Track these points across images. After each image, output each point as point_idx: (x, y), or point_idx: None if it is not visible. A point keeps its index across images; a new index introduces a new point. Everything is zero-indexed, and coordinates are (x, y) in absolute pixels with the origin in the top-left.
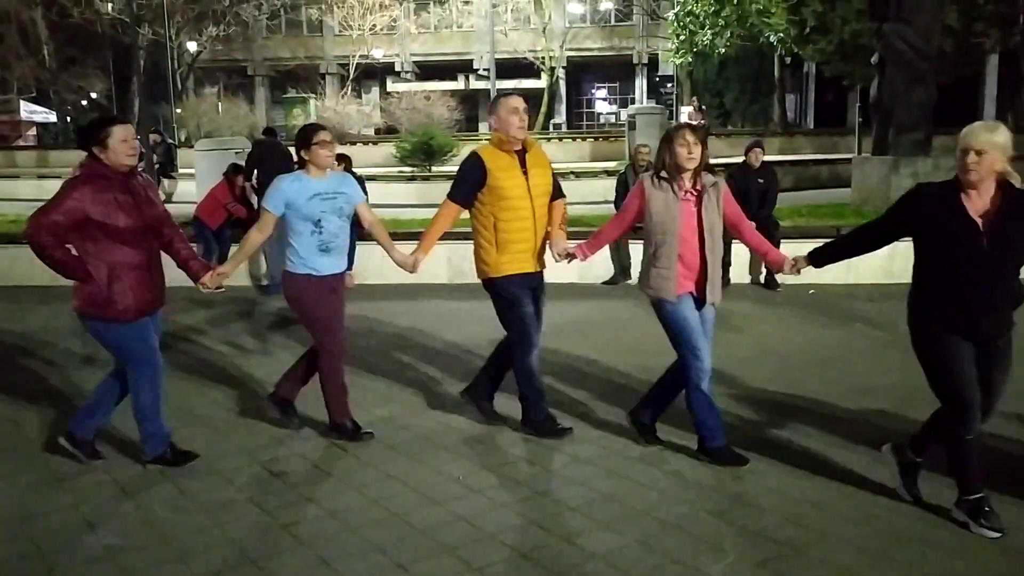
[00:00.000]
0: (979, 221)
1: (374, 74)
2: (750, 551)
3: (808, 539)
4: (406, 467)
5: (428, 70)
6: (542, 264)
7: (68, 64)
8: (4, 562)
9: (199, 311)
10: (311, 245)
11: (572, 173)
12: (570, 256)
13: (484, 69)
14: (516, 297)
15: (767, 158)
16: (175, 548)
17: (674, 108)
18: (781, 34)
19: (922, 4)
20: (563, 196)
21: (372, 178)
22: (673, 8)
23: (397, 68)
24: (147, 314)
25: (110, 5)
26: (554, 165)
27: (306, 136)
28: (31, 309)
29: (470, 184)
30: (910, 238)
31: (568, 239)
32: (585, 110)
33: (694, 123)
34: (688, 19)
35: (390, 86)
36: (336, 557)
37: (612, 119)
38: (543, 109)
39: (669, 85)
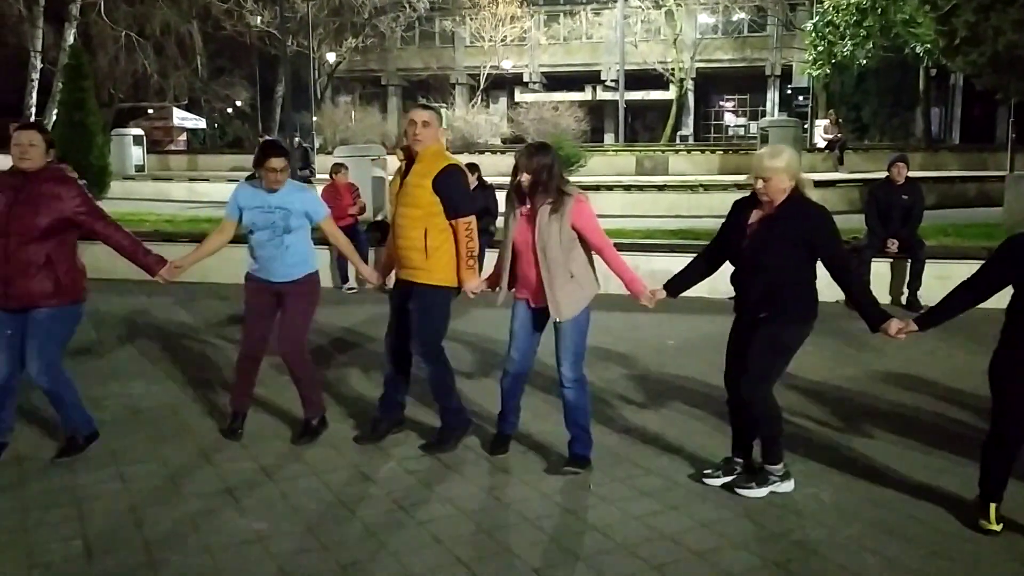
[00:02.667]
0: (748, 227)
1: (503, 84)
2: None
3: (955, 572)
4: (538, 473)
5: (555, 81)
6: (411, 276)
7: (218, 74)
8: (164, 538)
9: (353, 309)
10: (249, 247)
11: (701, 186)
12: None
13: (611, 80)
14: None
15: (910, 174)
16: (319, 538)
17: (808, 121)
18: (928, 45)
19: None
20: (461, 216)
21: (500, 187)
22: (811, 19)
23: (525, 79)
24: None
25: (259, 19)
26: (682, 177)
27: (259, 156)
28: (186, 303)
29: None
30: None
31: (695, 253)
32: (713, 122)
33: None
34: (827, 29)
35: (518, 96)
36: (470, 558)
37: (740, 132)
38: (670, 121)
39: (802, 97)
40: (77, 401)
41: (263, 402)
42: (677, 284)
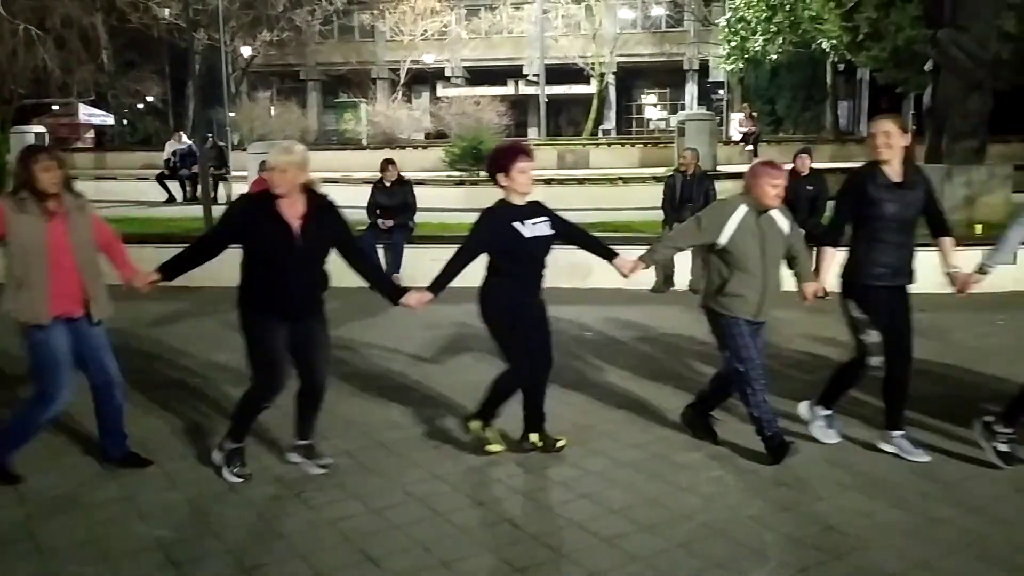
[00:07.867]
0: (293, 224)
1: (424, 79)
2: (792, 557)
3: (850, 547)
4: (450, 468)
5: (478, 75)
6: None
7: (126, 68)
8: (62, 549)
9: None
10: None
11: (620, 179)
12: None
13: (534, 75)
14: None
15: (819, 165)
16: (223, 541)
17: (724, 114)
18: (834, 40)
19: (978, 10)
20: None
21: (421, 182)
22: (724, 14)
23: (447, 73)
24: None
25: (167, 11)
26: (604, 171)
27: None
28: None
29: None
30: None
31: (614, 244)
32: (635, 116)
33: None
34: (739, 25)
35: (440, 91)
36: (381, 554)
37: (662, 125)
38: (592, 115)
39: (720, 91)
40: None
41: (168, 411)
42: (172, 268)
